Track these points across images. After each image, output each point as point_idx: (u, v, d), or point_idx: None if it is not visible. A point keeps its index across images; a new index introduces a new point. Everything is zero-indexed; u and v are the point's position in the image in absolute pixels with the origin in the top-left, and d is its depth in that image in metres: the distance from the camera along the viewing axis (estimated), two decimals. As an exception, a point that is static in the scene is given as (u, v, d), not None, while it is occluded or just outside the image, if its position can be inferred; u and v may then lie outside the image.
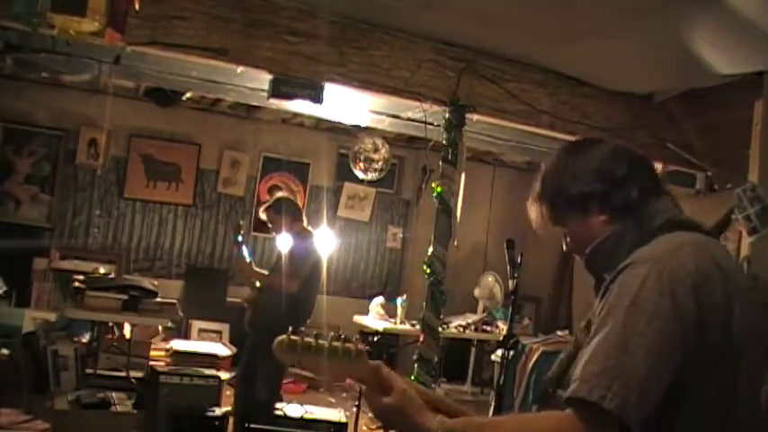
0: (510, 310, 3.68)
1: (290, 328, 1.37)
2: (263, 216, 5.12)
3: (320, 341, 1.35)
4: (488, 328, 6.93)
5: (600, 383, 1.22)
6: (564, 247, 1.64)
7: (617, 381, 1.22)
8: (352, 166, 7.06)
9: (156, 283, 5.59)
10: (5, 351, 5.25)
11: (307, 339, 1.35)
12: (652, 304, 1.26)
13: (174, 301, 6.00)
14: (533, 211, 1.65)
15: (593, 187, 1.53)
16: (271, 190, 7.55)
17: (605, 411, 1.20)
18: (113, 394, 4.60)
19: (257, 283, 5.04)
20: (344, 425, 4.50)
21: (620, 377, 1.22)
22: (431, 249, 4.59)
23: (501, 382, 3.87)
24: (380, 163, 6.93)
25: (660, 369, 1.24)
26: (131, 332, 5.88)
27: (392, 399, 1.36)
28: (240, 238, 5.09)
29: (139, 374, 5.52)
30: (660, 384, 1.24)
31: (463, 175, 4.75)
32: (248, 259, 5.12)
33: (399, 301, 6.77)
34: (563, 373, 1.55)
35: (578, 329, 1.57)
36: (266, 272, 5.09)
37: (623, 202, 1.51)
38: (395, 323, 6.64)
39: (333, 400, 6.50)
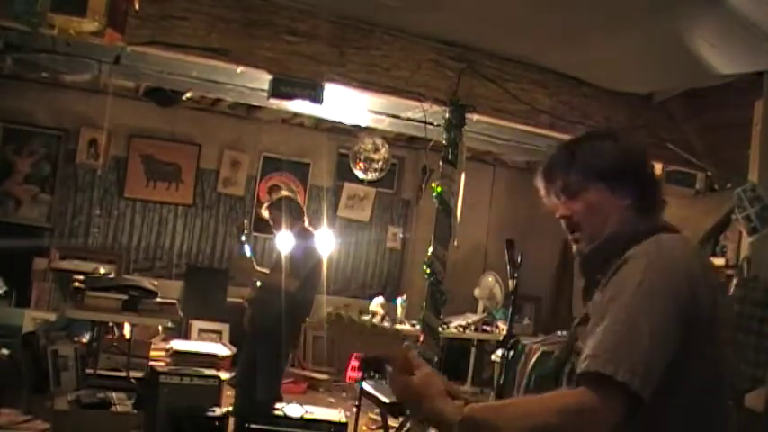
0: (510, 310, 3.67)
1: (307, 319, 1.50)
2: (264, 214, 5.13)
3: (362, 318, 1.46)
4: (488, 328, 6.93)
5: (612, 358, 1.31)
6: (565, 224, 1.64)
7: (627, 355, 1.31)
8: (352, 166, 7.06)
9: (156, 283, 5.58)
10: (5, 351, 5.24)
11: (351, 316, 1.47)
12: (653, 289, 1.37)
13: (174, 301, 5.99)
14: (547, 180, 1.65)
15: (635, 170, 1.58)
16: (271, 190, 7.55)
17: (617, 383, 1.29)
18: (113, 394, 4.59)
19: (257, 283, 5.05)
20: (344, 425, 4.50)
21: (629, 352, 1.31)
22: (431, 249, 4.59)
23: (501, 382, 3.87)
24: (380, 163, 6.93)
25: (663, 345, 1.34)
26: (131, 332, 5.88)
27: (417, 379, 1.43)
28: (243, 238, 5.11)
29: (139, 374, 5.52)
30: (662, 359, 1.34)
31: (463, 175, 4.74)
32: (248, 254, 5.13)
33: (399, 301, 6.77)
34: (560, 368, 1.59)
35: (573, 326, 1.61)
36: (267, 270, 5.10)
37: (650, 199, 1.59)
38: (395, 323, 6.64)
39: (333, 400, 6.50)
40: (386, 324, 1.46)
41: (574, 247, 1.65)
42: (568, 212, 1.61)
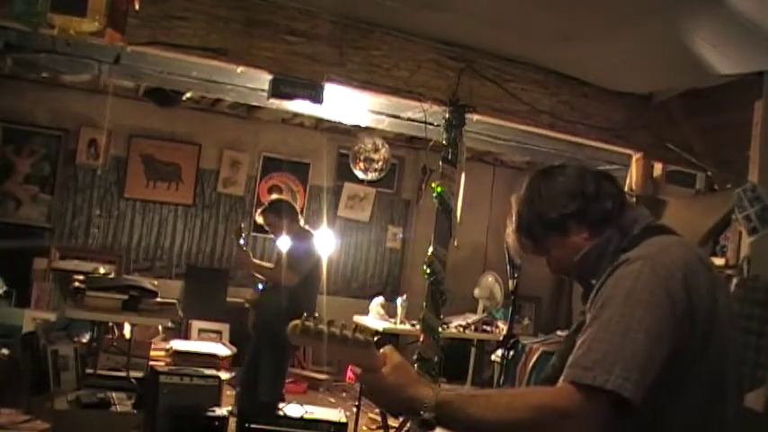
0: (510, 310, 3.68)
1: (305, 314, 1.38)
2: (259, 220, 5.15)
3: (332, 329, 1.38)
4: (488, 328, 6.93)
5: (603, 369, 1.28)
6: (550, 270, 1.69)
7: (618, 364, 1.29)
8: (352, 166, 7.06)
9: (156, 283, 5.59)
10: (5, 351, 5.24)
11: (320, 326, 1.37)
12: (648, 294, 1.35)
13: (174, 301, 6.00)
14: (513, 242, 1.71)
15: (568, 208, 1.60)
16: (271, 190, 7.55)
17: (606, 391, 1.27)
18: (113, 394, 4.59)
19: (259, 285, 5.07)
20: (344, 425, 4.50)
21: (621, 360, 1.29)
22: (431, 249, 4.59)
23: (501, 382, 3.87)
24: (380, 163, 6.93)
25: (657, 351, 1.32)
26: (131, 332, 5.88)
27: (387, 370, 1.39)
28: (242, 242, 5.12)
29: (139, 374, 5.52)
30: (657, 361, 1.32)
31: (463, 175, 4.74)
32: (242, 243, 5.15)
33: (399, 301, 6.77)
34: (557, 374, 1.56)
35: (570, 332, 1.60)
36: (265, 263, 5.15)
37: (601, 215, 1.59)
38: (395, 323, 6.64)
39: (333, 400, 6.51)
40: (358, 335, 1.40)
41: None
42: (549, 265, 1.68)
